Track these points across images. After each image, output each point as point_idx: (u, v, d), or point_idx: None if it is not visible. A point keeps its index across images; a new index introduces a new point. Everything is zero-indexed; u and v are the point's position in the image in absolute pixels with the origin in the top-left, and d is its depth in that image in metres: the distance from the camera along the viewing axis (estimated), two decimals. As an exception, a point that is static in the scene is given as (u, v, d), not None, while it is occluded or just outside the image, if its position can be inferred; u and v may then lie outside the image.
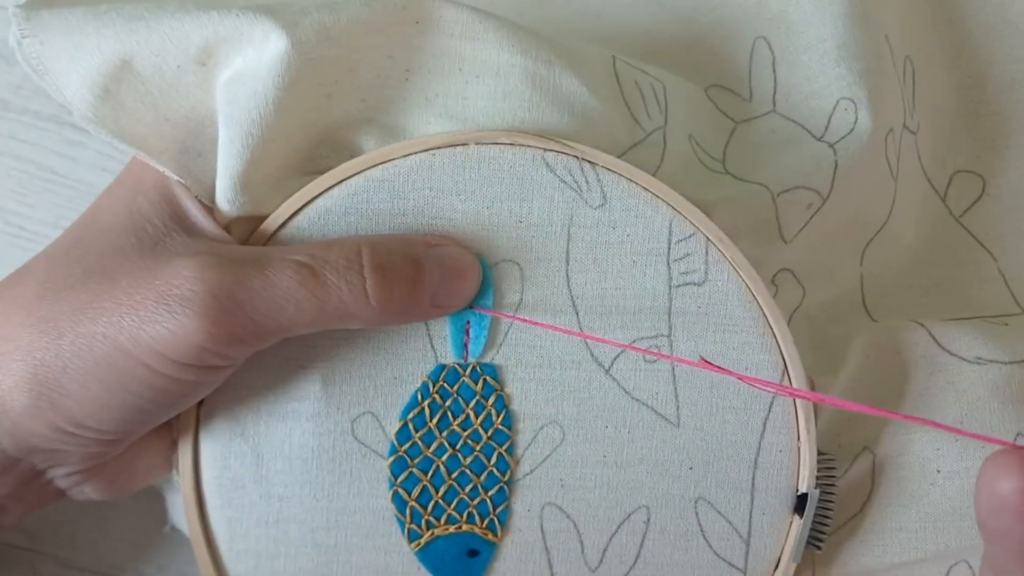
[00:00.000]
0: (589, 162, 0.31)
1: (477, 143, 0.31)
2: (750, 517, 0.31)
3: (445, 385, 0.31)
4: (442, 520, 0.31)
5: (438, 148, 0.31)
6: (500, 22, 0.31)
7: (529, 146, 0.31)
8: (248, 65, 0.29)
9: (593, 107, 0.32)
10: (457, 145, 0.31)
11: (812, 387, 0.32)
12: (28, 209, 0.40)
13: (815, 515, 0.31)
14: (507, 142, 0.31)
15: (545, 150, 0.31)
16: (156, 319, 0.26)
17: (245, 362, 0.29)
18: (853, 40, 0.37)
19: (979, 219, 0.41)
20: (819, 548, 0.31)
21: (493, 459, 0.31)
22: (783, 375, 0.31)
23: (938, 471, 0.33)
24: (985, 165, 0.42)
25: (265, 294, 0.26)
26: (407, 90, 0.31)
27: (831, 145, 0.36)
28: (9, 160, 0.40)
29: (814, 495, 0.31)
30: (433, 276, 0.29)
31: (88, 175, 0.40)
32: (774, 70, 0.38)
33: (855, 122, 0.36)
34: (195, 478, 0.31)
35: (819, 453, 0.31)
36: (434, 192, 0.31)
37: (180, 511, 0.32)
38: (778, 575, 0.32)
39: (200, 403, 0.31)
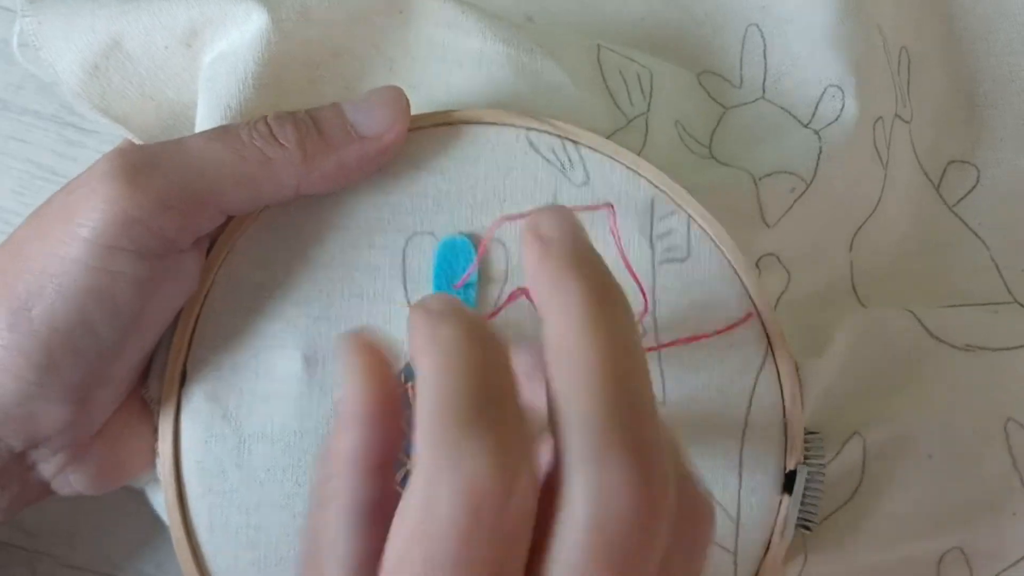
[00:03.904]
0: (572, 141, 0.31)
1: (462, 122, 0.31)
2: (739, 497, 0.31)
3: (429, 366, 0.31)
4: (427, 506, 0.31)
5: (423, 127, 0.31)
6: (482, 13, 0.32)
7: (513, 125, 0.31)
8: (231, 46, 0.29)
9: (574, 94, 0.32)
10: (441, 124, 0.31)
11: (796, 369, 0.31)
12: (28, 209, 0.38)
13: (804, 494, 0.31)
14: (491, 120, 0.31)
15: (528, 129, 0.31)
16: (82, 204, 0.26)
17: (228, 340, 0.30)
18: (843, 29, 0.37)
19: (973, 208, 0.41)
20: (809, 530, 0.31)
21: None
22: (767, 349, 0.31)
23: (929, 456, 0.32)
24: (980, 156, 0.42)
25: (181, 156, 0.27)
26: (391, 79, 0.32)
27: (816, 132, 0.36)
28: (9, 160, 0.40)
29: (802, 472, 0.30)
30: (343, 111, 0.29)
31: (88, 175, 0.41)
32: (764, 57, 0.38)
33: (841, 109, 0.36)
34: (175, 464, 0.30)
35: (806, 431, 0.31)
36: (419, 171, 0.31)
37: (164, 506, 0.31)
38: (769, 556, 0.31)
39: (182, 384, 0.30)
